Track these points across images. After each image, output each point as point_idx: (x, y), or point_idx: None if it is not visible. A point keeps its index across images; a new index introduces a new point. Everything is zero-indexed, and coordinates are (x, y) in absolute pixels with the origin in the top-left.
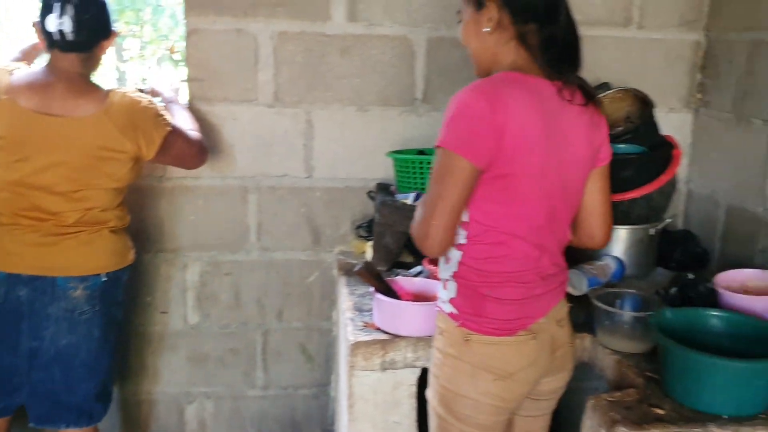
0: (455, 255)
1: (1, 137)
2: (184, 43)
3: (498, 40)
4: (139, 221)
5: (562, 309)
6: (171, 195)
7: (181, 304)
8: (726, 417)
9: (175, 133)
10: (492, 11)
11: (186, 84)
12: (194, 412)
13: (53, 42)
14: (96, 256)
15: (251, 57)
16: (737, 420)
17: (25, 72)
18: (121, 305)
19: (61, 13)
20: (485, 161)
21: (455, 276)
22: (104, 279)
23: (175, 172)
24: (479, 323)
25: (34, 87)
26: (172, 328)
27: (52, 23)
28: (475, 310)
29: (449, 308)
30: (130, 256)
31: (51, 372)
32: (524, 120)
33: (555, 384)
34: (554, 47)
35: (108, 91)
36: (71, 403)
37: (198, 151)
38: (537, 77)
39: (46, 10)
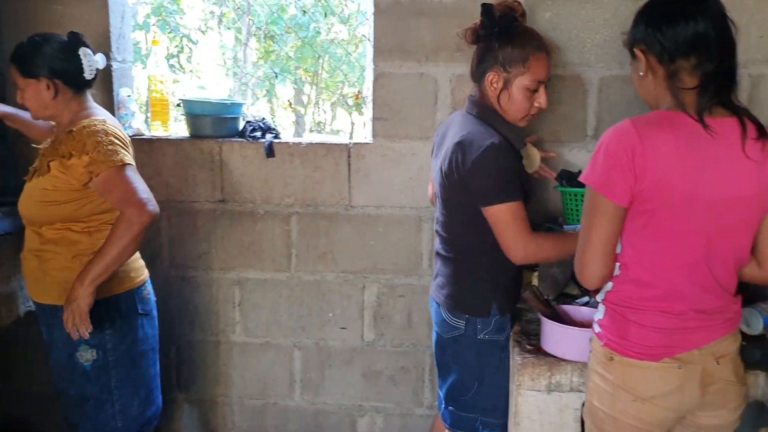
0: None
1: None
2: (370, 87)
3: (654, 83)
4: (328, 244)
5: (726, 345)
6: (356, 222)
7: (358, 322)
8: None
9: None
10: (640, 57)
11: (371, 123)
12: (365, 425)
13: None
14: None
15: (431, 98)
16: None
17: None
18: None
19: None
20: (626, 199)
21: (605, 300)
22: None
23: (360, 201)
24: (622, 345)
25: None
26: (349, 344)
27: None
28: (619, 333)
29: (597, 328)
30: None
31: None
32: (666, 159)
33: (716, 421)
34: (711, 82)
35: None
36: None
37: None
38: (689, 116)
39: None
